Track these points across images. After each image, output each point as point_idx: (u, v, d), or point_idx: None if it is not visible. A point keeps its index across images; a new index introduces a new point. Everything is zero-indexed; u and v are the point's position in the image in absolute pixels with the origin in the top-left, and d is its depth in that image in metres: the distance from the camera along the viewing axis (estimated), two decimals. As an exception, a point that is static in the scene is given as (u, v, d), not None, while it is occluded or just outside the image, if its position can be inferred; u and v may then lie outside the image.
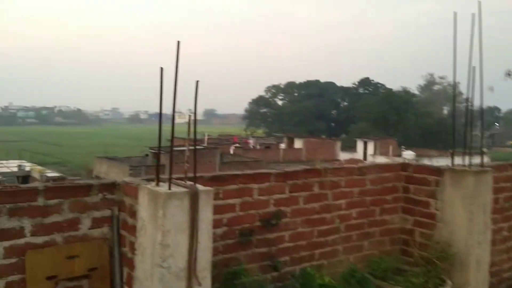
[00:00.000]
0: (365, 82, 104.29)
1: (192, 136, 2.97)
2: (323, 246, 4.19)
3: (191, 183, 2.82)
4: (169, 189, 2.70)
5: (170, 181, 2.77)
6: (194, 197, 2.68)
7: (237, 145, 45.16)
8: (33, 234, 2.74)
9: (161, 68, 2.76)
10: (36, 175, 32.42)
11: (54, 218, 2.81)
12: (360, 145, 53.62)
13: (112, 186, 3.05)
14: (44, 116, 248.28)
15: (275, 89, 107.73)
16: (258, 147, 47.84)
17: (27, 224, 2.72)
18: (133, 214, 2.90)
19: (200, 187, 2.80)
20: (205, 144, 40.13)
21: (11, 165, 35.79)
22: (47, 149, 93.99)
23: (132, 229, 2.90)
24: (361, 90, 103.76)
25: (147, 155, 37.70)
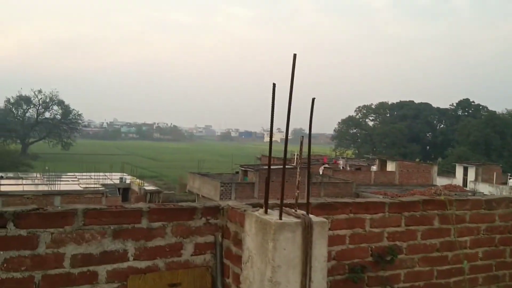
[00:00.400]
0: (464, 103, 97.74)
1: (300, 155, 2.63)
2: (444, 289, 3.65)
3: (303, 212, 2.51)
4: (280, 218, 2.41)
5: (281, 209, 2.48)
6: (307, 229, 2.37)
7: (327, 165, 44.30)
8: (136, 258, 2.60)
9: (274, 84, 2.51)
10: (135, 187, 34.32)
11: (157, 242, 2.65)
12: (459, 170, 49.98)
13: (216, 210, 2.83)
14: (144, 131, 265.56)
15: (366, 110, 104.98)
16: (348, 168, 46.55)
17: (130, 247, 2.59)
18: (238, 242, 2.65)
19: (313, 217, 2.47)
20: (295, 164, 39.88)
21: (114, 177, 38.31)
22: (145, 163, 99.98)
23: (237, 259, 2.65)
24: (459, 112, 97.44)
25: (237, 172, 38.32)
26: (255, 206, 2.75)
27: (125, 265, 2.57)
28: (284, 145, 2.62)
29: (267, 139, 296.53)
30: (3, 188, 29.38)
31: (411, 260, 3.51)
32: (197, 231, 2.75)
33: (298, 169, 2.83)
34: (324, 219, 2.50)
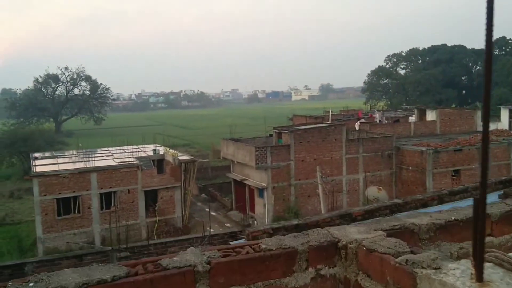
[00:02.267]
0: (501, 42, 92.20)
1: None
2: None
3: None
4: (480, 280, 1.19)
5: (481, 261, 1.24)
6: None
7: (363, 120, 42.56)
8: None
9: None
10: (169, 158, 33.78)
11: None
12: (504, 113, 47.31)
13: (331, 252, 1.59)
14: (172, 100, 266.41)
15: (396, 58, 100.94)
16: (385, 121, 44.65)
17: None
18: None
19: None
20: (329, 121, 38.40)
21: (147, 149, 37.90)
22: (176, 132, 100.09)
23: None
24: (496, 52, 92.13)
25: (270, 135, 37.20)
26: (391, 233, 1.54)
27: None
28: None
29: (295, 97, 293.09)
30: (39, 169, 29.29)
31: None
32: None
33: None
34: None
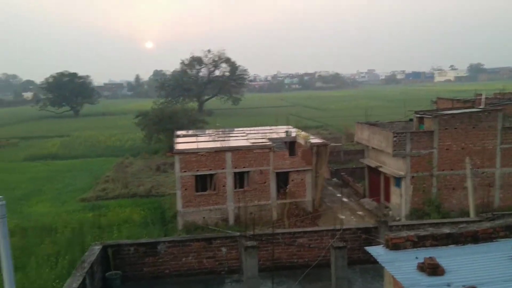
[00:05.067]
0: None
1: None
2: None
3: None
4: None
5: None
6: None
7: (523, 105, 36.96)
8: None
9: None
10: (301, 141, 33.34)
11: None
12: None
13: None
14: (306, 81, 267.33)
15: None
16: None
17: None
18: None
19: None
20: (482, 106, 34.10)
21: (280, 131, 37.98)
22: (309, 113, 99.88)
23: None
24: None
25: (411, 119, 34.39)
26: None
27: None
28: None
29: (438, 79, 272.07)
30: (180, 146, 31.13)
31: None
32: None
33: None
34: None
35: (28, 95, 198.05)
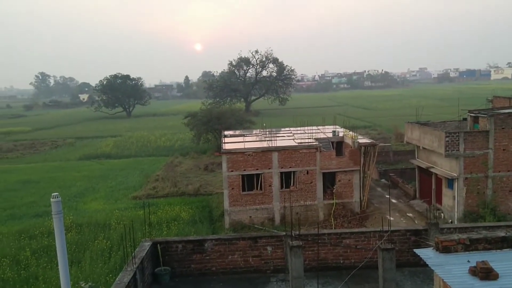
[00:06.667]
0: None
1: None
2: None
3: None
4: None
5: None
6: None
7: None
8: None
9: None
10: (348, 140, 32.87)
11: None
12: None
13: None
14: (354, 81, 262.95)
15: None
16: None
17: None
18: None
19: None
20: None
21: (327, 131, 37.61)
22: (357, 113, 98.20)
23: None
24: None
25: (464, 119, 33.04)
26: None
27: None
28: None
29: (494, 76, 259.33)
30: (228, 146, 31.51)
31: None
32: None
33: None
34: None
35: (84, 96, 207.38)
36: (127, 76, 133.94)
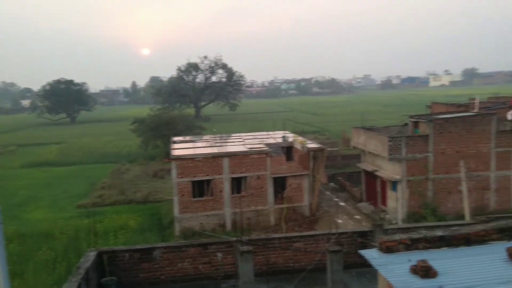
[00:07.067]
0: None
1: None
2: None
3: None
4: None
5: None
6: None
7: (517, 109, 37.15)
8: None
9: None
10: (298, 146, 33.41)
11: None
12: None
13: None
14: (303, 87, 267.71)
15: None
16: (546, 110, 38.42)
17: None
18: None
19: None
20: (476, 110, 34.29)
21: (277, 136, 38.03)
22: (306, 118, 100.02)
23: None
24: None
25: (406, 124, 34.54)
26: None
27: None
28: None
29: (433, 83, 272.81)
30: (177, 152, 31.15)
31: None
32: None
33: None
34: None
35: (25, 102, 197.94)
36: (71, 81, 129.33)
